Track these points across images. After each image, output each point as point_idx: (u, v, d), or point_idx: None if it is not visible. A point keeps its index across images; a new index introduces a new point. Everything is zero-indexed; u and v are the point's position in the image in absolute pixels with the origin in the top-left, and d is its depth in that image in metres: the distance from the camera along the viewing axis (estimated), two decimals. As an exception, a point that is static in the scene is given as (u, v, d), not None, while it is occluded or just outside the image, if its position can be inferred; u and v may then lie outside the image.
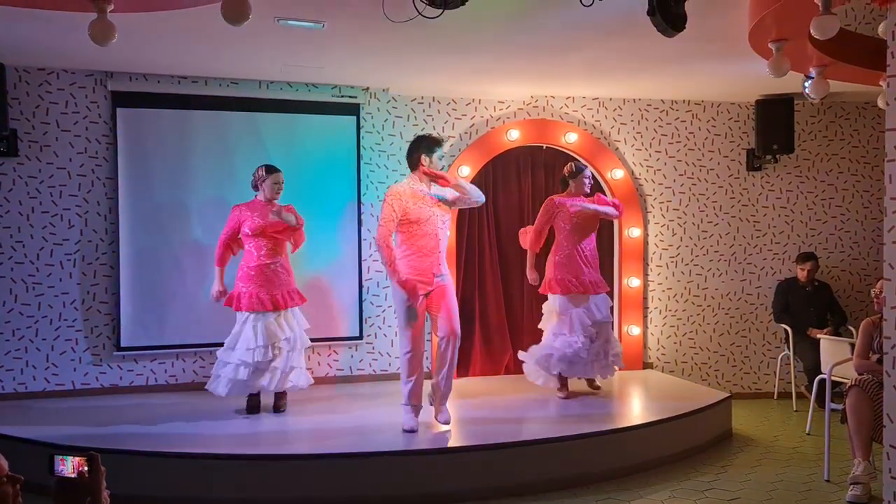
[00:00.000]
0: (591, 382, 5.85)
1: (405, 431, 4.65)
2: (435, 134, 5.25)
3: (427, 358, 6.21)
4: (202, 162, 5.83)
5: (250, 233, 5.04)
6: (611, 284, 6.76)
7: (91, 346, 5.70)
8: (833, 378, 4.85)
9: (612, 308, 5.91)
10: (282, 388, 5.10)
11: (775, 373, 6.85)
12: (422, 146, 4.74)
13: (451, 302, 4.79)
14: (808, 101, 6.47)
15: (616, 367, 5.77)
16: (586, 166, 5.90)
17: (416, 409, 4.77)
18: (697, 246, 6.89)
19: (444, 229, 4.79)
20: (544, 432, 4.74)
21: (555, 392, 5.64)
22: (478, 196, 4.83)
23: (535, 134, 6.52)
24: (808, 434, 5.60)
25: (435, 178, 4.70)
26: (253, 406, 5.13)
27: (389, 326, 6.27)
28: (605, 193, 6.48)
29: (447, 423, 4.77)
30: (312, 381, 5.31)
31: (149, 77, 5.73)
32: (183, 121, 5.81)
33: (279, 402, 5.19)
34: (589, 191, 5.76)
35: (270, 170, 5.16)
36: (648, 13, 3.49)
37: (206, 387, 5.15)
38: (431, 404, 4.88)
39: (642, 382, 6.28)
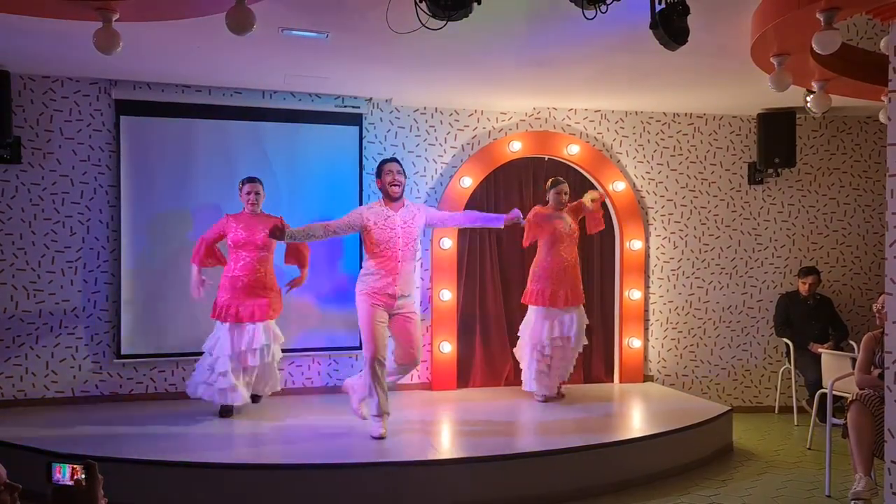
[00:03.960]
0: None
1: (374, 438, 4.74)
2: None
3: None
4: (205, 171, 5.84)
5: (232, 244, 5.17)
6: (612, 296, 6.77)
7: (91, 353, 5.70)
8: (834, 393, 4.84)
9: (584, 324, 5.91)
10: (255, 393, 5.31)
11: (776, 387, 6.83)
12: (377, 172, 4.98)
13: (414, 330, 4.91)
14: (810, 115, 6.49)
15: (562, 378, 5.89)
16: (563, 181, 5.92)
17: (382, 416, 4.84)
18: (699, 259, 6.89)
19: (409, 251, 4.84)
20: (544, 444, 4.73)
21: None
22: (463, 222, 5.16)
23: (537, 145, 6.54)
24: (809, 449, 5.58)
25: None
26: (226, 411, 5.23)
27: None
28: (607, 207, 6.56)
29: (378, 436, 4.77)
30: (278, 389, 5.48)
31: (153, 86, 5.76)
32: (186, 130, 5.83)
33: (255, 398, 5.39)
34: (564, 205, 5.84)
35: (244, 180, 5.30)
36: (651, 27, 3.50)
37: (187, 390, 5.27)
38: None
39: (643, 395, 6.26)
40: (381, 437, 4.70)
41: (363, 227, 4.82)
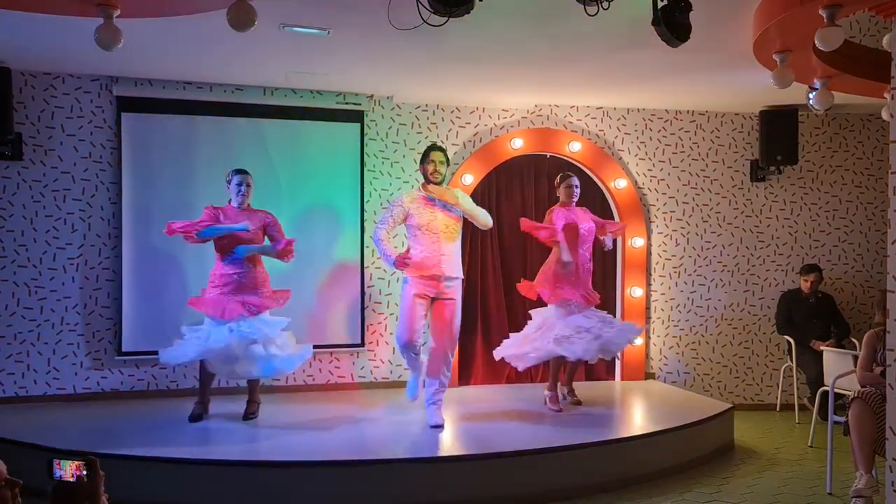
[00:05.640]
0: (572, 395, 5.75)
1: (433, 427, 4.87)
2: (437, 142, 5.30)
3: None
4: (206, 168, 5.83)
5: (225, 241, 4.91)
6: (613, 294, 6.76)
7: (92, 350, 5.70)
8: (836, 390, 4.84)
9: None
10: (252, 375, 4.99)
11: (778, 384, 6.83)
12: (422, 156, 5.07)
13: (449, 316, 4.96)
14: (813, 112, 6.48)
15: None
16: (572, 174, 5.78)
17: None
18: (700, 256, 6.88)
19: (450, 232, 4.93)
20: (545, 441, 4.72)
21: (546, 404, 5.52)
22: (485, 219, 5.13)
23: (538, 143, 6.53)
24: (811, 446, 5.57)
25: (442, 198, 4.91)
26: (197, 415, 4.99)
27: (391, 334, 6.26)
28: (608, 204, 6.54)
29: (438, 426, 4.89)
30: (301, 363, 5.12)
31: (154, 82, 5.76)
32: (187, 127, 5.83)
33: (250, 409, 5.11)
34: (576, 199, 5.65)
35: (234, 172, 5.06)
36: (653, 23, 3.49)
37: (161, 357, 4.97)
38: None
39: (644, 393, 6.26)
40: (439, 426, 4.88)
41: (407, 215, 4.92)
